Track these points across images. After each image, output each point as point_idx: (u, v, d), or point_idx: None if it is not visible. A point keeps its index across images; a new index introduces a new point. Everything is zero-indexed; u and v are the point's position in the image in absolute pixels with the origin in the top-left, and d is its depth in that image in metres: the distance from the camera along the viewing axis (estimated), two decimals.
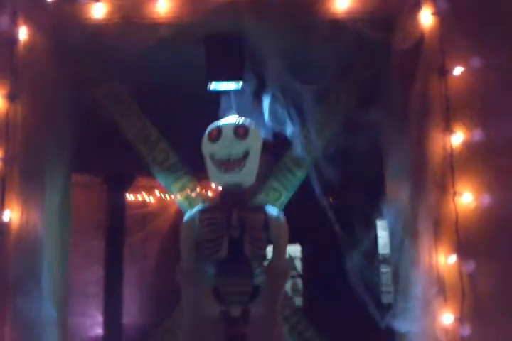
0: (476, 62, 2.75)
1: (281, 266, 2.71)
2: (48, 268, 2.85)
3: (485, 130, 2.71)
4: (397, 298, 2.86)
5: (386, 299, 6.54)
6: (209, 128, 2.78)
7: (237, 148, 2.68)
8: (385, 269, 6.87)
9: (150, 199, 8.01)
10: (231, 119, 2.79)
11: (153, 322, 7.06)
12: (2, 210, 2.69)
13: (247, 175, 2.72)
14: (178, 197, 3.45)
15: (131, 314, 7.21)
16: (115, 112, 3.37)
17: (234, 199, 2.71)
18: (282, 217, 2.76)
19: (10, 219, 2.70)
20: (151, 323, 7.10)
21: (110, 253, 6.97)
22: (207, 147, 2.75)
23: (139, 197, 7.93)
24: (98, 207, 7.10)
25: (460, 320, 2.60)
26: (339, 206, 3.23)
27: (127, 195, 7.56)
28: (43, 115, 2.91)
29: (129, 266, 7.16)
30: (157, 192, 7.97)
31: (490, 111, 2.74)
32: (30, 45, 2.89)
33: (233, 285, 2.63)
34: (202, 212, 2.74)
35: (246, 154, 2.68)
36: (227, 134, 2.70)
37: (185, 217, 2.79)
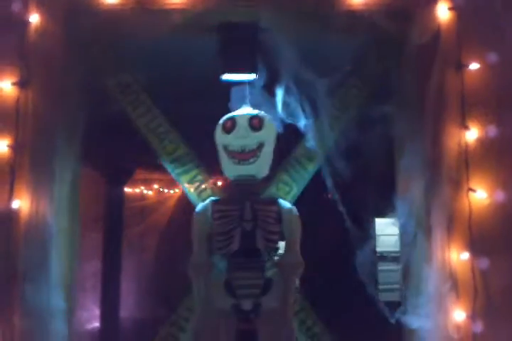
0: (492, 57, 2.73)
1: (293, 259, 2.68)
2: (57, 258, 2.81)
3: (500, 127, 2.70)
4: (408, 294, 2.83)
5: (384, 297, 6.58)
6: (223, 120, 2.75)
7: (252, 139, 2.65)
8: (382, 267, 6.89)
9: (148, 193, 7.97)
10: (245, 111, 2.76)
11: (151, 316, 7.08)
12: (11, 199, 2.65)
13: (261, 167, 2.70)
14: (188, 189, 3.41)
15: (128, 307, 7.18)
16: (125, 102, 3.33)
17: (247, 191, 2.69)
18: (295, 211, 2.73)
19: (19, 207, 2.66)
20: (148, 317, 7.10)
21: (108, 246, 6.93)
22: (220, 138, 2.72)
23: (138, 191, 7.89)
24: (96, 200, 7.06)
25: (472, 317, 2.59)
26: (345, 201, 3.22)
27: (126, 188, 7.52)
28: (54, 103, 2.87)
29: (127, 259, 7.12)
30: (155, 186, 7.94)
31: (505, 107, 2.72)
32: (41, 32, 2.84)
33: (245, 279, 2.61)
34: (214, 204, 2.71)
35: (260, 146, 2.66)
36: (242, 125, 2.67)
37: (197, 209, 2.76)
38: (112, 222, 6.90)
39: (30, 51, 2.76)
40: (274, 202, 2.73)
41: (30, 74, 2.76)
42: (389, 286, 6.77)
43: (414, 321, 2.69)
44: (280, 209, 2.69)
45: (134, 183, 7.67)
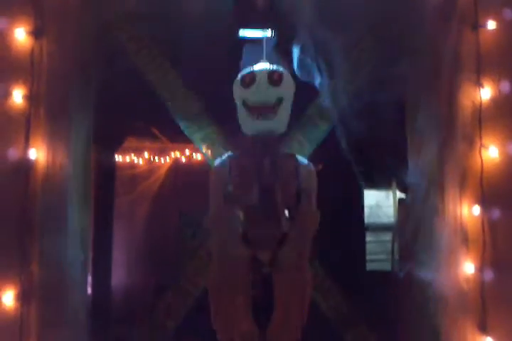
0: (509, 15, 2.77)
1: (311, 213, 2.71)
2: (74, 209, 2.81)
3: None
4: (420, 248, 2.92)
5: (370, 267, 6.75)
6: (241, 74, 2.74)
7: (271, 94, 2.65)
8: (369, 238, 7.02)
9: (139, 161, 7.91)
10: (264, 66, 2.75)
11: (142, 284, 7.12)
12: (27, 149, 2.63)
13: (280, 122, 2.70)
14: (202, 146, 3.41)
15: (119, 275, 7.20)
16: (136, 57, 3.29)
17: (266, 146, 2.69)
18: (312, 166, 2.76)
19: (36, 157, 2.65)
20: (139, 285, 7.14)
21: (99, 214, 6.90)
22: (239, 93, 2.71)
23: (128, 159, 7.82)
24: None
25: (481, 268, 2.67)
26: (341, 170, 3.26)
27: (116, 156, 7.45)
28: (69, 54, 2.83)
29: (117, 228, 7.12)
30: (146, 154, 7.88)
31: None
32: None
33: (262, 231, 2.64)
34: (232, 159, 2.72)
35: (279, 100, 2.66)
36: (261, 80, 2.66)
37: (216, 164, 2.77)
38: (102, 191, 6.85)
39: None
40: (291, 157, 2.76)
41: (45, 24, 2.72)
42: (377, 256, 6.95)
43: (425, 274, 2.77)
44: (297, 164, 2.71)
45: (125, 151, 7.61)
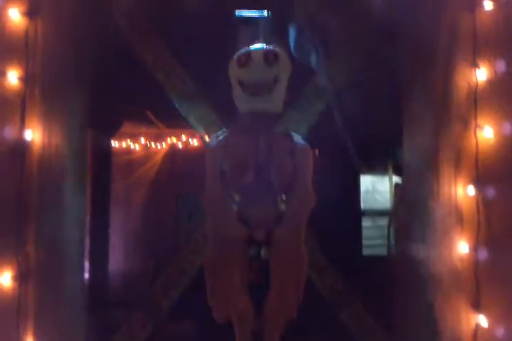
0: None
1: (306, 192, 2.72)
2: (69, 190, 2.82)
3: (509, 65, 2.74)
4: (415, 228, 2.94)
5: (366, 252, 6.79)
6: (237, 54, 2.73)
7: (267, 73, 2.65)
8: (366, 223, 7.05)
9: (135, 147, 7.92)
10: (260, 45, 2.75)
11: (139, 268, 7.17)
12: (23, 129, 2.63)
13: (276, 101, 2.71)
14: (197, 125, 3.42)
15: (116, 260, 7.24)
16: (131, 36, 3.28)
17: (261, 125, 2.70)
18: (308, 145, 2.77)
19: (32, 138, 2.64)
20: (136, 269, 7.19)
21: (96, 200, 6.91)
22: (235, 72, 2.71)
23: (125, 145, 7.83)
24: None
25: (475, 248, 2.70)
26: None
27: (113, 141, 7.45)
28: (64, 34, 2.82)
29: (114, 214, 7.14)
30: (143, 140, 7.89)
31: None
32: None
33: (258, 210, 2.65)
34: (228, 137, 2.72)
35: (276, 80, 2.66)
36: (258, 59, 2.66)
37: (211, 142, 2.78)
38: (99, 176, 6.86)
39: None
40: (287, 136, 2.76)
41: (39, 4, 2.70)
42: (373, 242, 6.98)
43: (420, 253, 2.79)
44: (293, 143, 2.72)
45: (121, 137, 7.61)
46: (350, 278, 3.74)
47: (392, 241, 5.07)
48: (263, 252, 2.67)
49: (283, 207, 2.70)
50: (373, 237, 7.09)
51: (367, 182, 7.11)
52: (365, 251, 6.86)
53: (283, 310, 2.71)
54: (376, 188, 7.24)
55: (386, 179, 6.69)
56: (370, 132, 3.14)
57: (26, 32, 2.67)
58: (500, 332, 2.55)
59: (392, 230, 5.14)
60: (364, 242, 7.01)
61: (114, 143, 7.51)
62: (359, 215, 6.98)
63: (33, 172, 2.63)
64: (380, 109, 3.13)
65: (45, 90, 2.73)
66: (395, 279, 3.69)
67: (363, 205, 6.89)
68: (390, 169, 6.36)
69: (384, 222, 6.31)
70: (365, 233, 7.07)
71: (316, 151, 5.91)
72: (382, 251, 6.07)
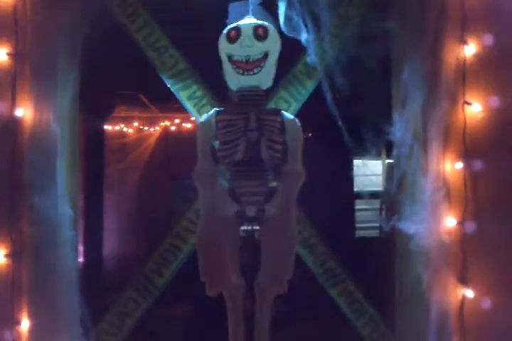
0: None
1: (296, 168, 2.75)
2: (61, 167, 2.84)
3: (496, 41, 2.75)
4: (404, 203, 2.98)
5: (359, 234, 6.87)
6: (227, 29, 2.74)
7: (257, 48, 2.66)
8: (359, 206, 7.12)
9: (129, 131, 7.93)
10: (249, 21, 2.75)
11: (133, 251, 7.21)
12: (14, 107, 2.64)
13: (266, 77, 2.73)
14: (188, 104, 3.43)
15: (111, 244, 7.28)
16: (123, 15, 3.28)
17: (251, 102, 2.72)
18: (298, 121, 2.79)
19: (23, 115, 2.65)
20: (130, 252, 7.24)
21: (89, 183, 6.92)
22: (225, 48, 2.72)
23: (118, 128, 7.84)
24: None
25: (463, 222, 2.74)
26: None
27: (106, 125, 7.45)
28: (54, 10, 2.81)
29: (108, 197, 7.17)
30: (136, 123, 7.90)
31: (503, 23, 2.77)
32: None
33: (249, 187, 2.69)
34: (219, 114, 2.74)
35: (265, 55, 2.68)
36: (247, 34, 2.67)
37: (202, 119, 2.80)
38: (92, 160, 6.86)
39: None
40: (277, 112, 2.78)
41: None
42: (366, 224, 7.06)
43: (409, 227, 2.84)
44: (283, 119, 2.74)
45: (114, 121, 7.61)
46: (342, 259, 3.78)
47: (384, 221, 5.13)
48: (257, 234, 2.70)
49: (274, 183, 2.74)
50: (368, 220, 7.16)
51: (359, 164, 7.16)
52: (359, 234, 6.95)
53: (274, 285, 2.76)
54: (370, 171, 7.29)
55: (379, 162, 6.74)
56: (362, 111, 3.15)
57: (15, 8, 2.67)
58: (486, 303, 2.61)
59: (384, 211, 5.20)
60: (358, 225, 7.09)
61: (108, 127, 7.52)
62: (352, 198, 7.02)
63: (24, 149, 2.65)
64: (371, 87, 3.14)
65: (36, 67, 2.72)
66: (386, 257, 3.75)
67: (357, 188, 6.95)
68: (384, 151, 6.40)
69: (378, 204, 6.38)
70: (358, 215, 7.14)
71: (309, 134, 5.95)
72: (376, 233, 6.16)
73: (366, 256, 5.28)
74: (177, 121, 7.74)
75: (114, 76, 4.75)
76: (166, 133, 7.86)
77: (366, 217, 7.17)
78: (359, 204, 7.19)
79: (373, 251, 5.40)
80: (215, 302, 2.79)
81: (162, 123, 7.91)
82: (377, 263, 4.48)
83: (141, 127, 7.93)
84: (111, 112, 7.21)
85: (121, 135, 7.88)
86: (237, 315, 2.78)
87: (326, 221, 4.74)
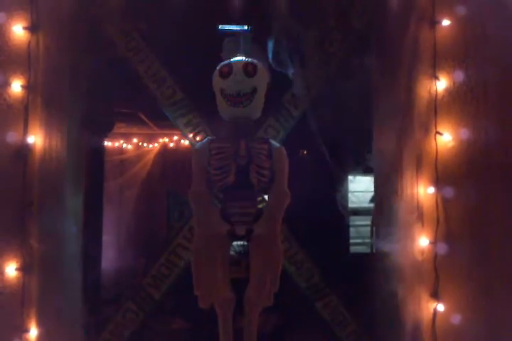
0: (461, 11, 2.97)
1: (282, 191, 2.99)
2: (68, 189, 3.08)
3: (466, 77, 2.99)
4: (381, 225, 3.22)
5: (353, 250, 7.04)
6: (220, 65, 3.01)
7: (246, 84, 2.91)
8: (353, 222, 7.29)
9: (128, 147, 8.16)
10: (240, 58, 3.02)
11: (131, 265, 7.37)
12: (26, 134, 2.89)
13: (254, 109, 2.98)
14: (185, 131, 3.70)
15: (109, 258, 7.45)
16: (125, 49, 3.56)
17: (241, 131, 2.97)
18: (284, 149, 3.05)
19: (34, 142, 2.91)
20: (128, 265, 7.39)
21: (89, 198, 7.10)
22: (218, 82, 2.98)
23: (117, 144, 8.07)
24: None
25: (434, 242, 2.97)
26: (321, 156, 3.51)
27: (106, 141, 7.66)
28: (63, 47, 3.08)
29: (106, 212, 7.34)
30: (135, 140, 8.13)
31: (471, 60, 3.02)
32: None
33: (239, 208, 2.93)
34: (212, 141, 3.00)
35: (254, 90, 2.92)
36: (238, 71, 2.93)
37: (197, 146, 3.06)
38: (92, 176, 7.06)
39: None
40: (265, 141, 3.03)
41: (40, 19, 2.96)
42: (360, 240, 7.22)
43: (385, 246, 3.07)
44: (271, 147, 2.99)
45: (114, 137, 7.84)
46: (332, 273, 3.98)
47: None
48: (238, 231, 2.92)
49: (262, 204, 2.99)
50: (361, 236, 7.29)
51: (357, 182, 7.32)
52: (353, 250, 7.09)
53: (261, 299, 2.99)
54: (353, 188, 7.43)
55: (361, 180, 6.91)
56: (344, 137, 3.42)
57: (28, 45, 2.93)
58: (456, 319, 2.81)
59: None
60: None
61: (108, 143, 7.75)
62: (346, 214, 7.17)
63: (34, 173, 2.88)
64: (352, 116, 3.40)
65: (46, 98, 2.98)
66: (370, 273, 3.98)
67: (352, 205, 7.11)
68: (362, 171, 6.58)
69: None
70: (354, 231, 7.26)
71: (304, 152, 6.17)
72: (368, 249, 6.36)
73: (357, 272, 5.47)
74: (175, 138, 7.98)
75: (114, 95, 5.00)
76: (164, 149, 8.09)
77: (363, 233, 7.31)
78: (358, 221, 7.33)
79: (363, 267, 5.58)
80: (207, 315, 3.01)
81: (161, 140, 8.14)
82: (363, 279, 4.69)
83: (140, 143, 8.17)
84: (110, 129, 7.44)
85: (121, 151, 8.12)
86: (227, 326, 3.01)
87: (319, 237, 4.94)
